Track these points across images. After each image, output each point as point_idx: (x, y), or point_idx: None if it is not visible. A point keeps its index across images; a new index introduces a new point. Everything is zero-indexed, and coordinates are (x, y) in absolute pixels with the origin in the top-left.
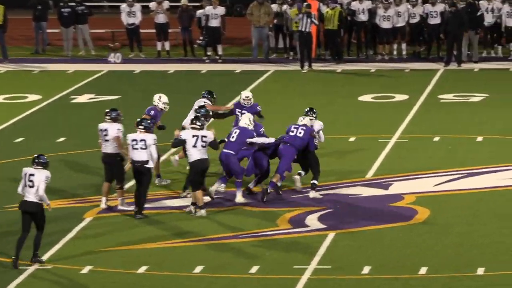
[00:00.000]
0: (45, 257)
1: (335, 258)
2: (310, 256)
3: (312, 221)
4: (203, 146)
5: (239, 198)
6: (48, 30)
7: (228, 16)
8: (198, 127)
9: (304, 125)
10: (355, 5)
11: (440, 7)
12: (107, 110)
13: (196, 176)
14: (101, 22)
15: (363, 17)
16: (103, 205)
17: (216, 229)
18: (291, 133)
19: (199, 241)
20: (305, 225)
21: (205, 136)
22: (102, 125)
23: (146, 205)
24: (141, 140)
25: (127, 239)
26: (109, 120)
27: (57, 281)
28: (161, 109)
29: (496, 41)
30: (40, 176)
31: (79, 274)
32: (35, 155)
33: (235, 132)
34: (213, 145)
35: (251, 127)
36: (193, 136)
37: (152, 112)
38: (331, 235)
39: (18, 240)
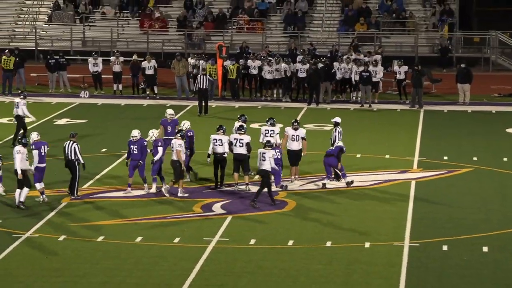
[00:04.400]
0: (32, 230)
1: (232, 234)
2: (215, 232)
3: (217, 208)
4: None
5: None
6: (39, 74)
7: (161, 68)
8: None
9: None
10: (249, 63)
11: (306, 66)
12: (178, 129)
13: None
14: (75, 69)
15: (254, 71)
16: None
17: (150, 212)
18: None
19: (139, 220)
20: (212, 211)
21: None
22: (173, 141)
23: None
24: (219, 139)
25: (87, 218)
26: (179, 137)
27: (40, 246)
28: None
29: (343, 90)
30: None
31: (56, 241)
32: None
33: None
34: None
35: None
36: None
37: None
38: (229, 217)
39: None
